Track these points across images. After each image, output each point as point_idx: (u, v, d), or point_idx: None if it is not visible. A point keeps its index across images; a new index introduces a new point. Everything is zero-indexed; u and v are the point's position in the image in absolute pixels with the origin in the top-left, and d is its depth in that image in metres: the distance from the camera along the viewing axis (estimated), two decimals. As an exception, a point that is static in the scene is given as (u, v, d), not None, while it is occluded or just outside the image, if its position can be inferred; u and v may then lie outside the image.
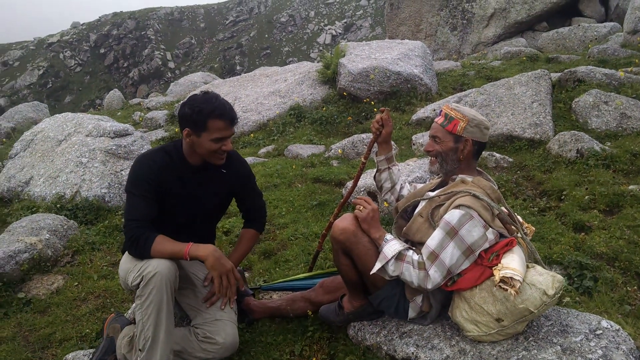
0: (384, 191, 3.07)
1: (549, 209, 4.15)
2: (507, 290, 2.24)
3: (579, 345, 2.25)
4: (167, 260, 2.45)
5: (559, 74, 6.79)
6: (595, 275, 3.07)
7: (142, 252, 2.48)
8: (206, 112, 2.52)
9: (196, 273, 2.84)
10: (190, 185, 2.73)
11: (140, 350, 2.42)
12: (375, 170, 3.09)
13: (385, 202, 4.13)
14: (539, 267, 2.41)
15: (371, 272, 2.49)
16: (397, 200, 3.02)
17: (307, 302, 3.07)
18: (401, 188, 3.06)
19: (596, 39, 11.39)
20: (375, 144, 3.04)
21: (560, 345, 2.27)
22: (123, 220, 2.65)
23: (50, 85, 54.31)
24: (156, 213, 2.60)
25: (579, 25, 13.23)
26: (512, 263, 2.30)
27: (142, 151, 5.77)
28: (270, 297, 3.39)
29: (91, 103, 48.99)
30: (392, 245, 2.45)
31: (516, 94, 6.07)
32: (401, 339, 2.57)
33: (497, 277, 2.26)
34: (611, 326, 2.35)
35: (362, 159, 3.14)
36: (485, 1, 15.58)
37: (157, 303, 2.37)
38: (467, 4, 16.11)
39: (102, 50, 57.43)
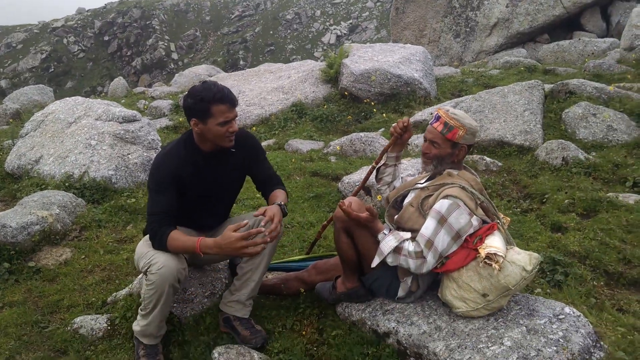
0: (382, 183, 3.31)
1: (531, 211, 4.42)
2: (491, 265, 2.52)
3: (542, 326, 2.51)
4: (174, 258, 2.73)
5: (552, 85, 7.06)
6: (567, 271, 3.33)
7: (159, 246, 2.76)
8: (207, 99, 2.71)
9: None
10: (207, 171, 2.94)
11: (140, 310, 2.91)
12: (372, 164, 3.33)
13: (379, 196, 4.38)
14: (516, 248, 2.69)
15: (371, 266, 2.78)
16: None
17: (300, 281, 3.33)
18: (397, 182, 3.31)
19: (593, 53, 11.65)
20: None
21: (525, 326, 2.53)
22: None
23: (52, 69, 54.29)
24: (175, 206, 2.82)
25: (579, 39, 13.46)
26: (495, 243, 2.59)
27: (149, 137, 6.02)
28: (266, 276, 3.64)
29: (92, 89, 49.05)
30: (387, 242, 2.72)
31: (509, 102, 6.33)
32: (384, 315, 2.83)
33: (482, 254, 2.55)
34: (573, 312, 2.62)
35: (374, 164, 3.36)
36: (489, 10, 15.83)
37: (158, 294, 2.75)
38: (472, 12, 16.37)
39: (106, 38, 57.45)
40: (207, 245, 2.66)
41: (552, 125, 6.17)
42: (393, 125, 3.11)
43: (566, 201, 4.35)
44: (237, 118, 2.86)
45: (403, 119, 3.11)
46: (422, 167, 3.03)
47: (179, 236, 2.72)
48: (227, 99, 2.75)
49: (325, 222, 3.66)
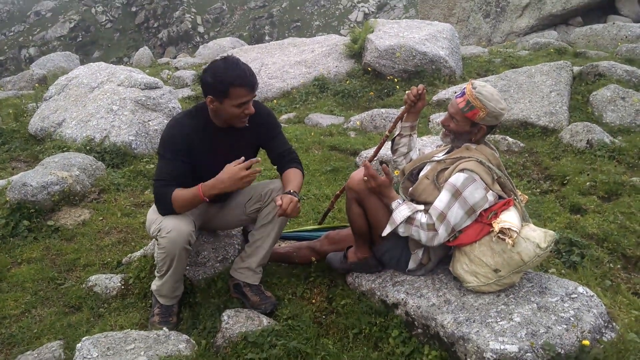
0: (398, 154, 3.26)
1: (551, 192, 4.34)
2: (504, 240, 2.47)
3: (554, 304, 2.47)
4: (183, 221, 2.74)
5: (582, 67, 6.87)
6: (583, 252, 3.27)
7: (165, 208, 2.77)
8: (228, 80, 2.62)
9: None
10: (218, 145, 2.89)
11: (156, 272, 2.98)
12: (395, 134, 3.27)
13: (396, 171, 4.34)
14: (532, 225, 2.64)
15: (382, 235, 2.74)
16: None
17: (312, 250, 3.33)
18: (413, 154, 3.26)
19: (627, 37, 11.28)
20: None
21: (536, 304, 2.49)
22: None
23: (80, 39, 54.72)
24: (183, 174, 2.79)
25: (613, 23, 13.02)
26: (510, 218, 2.54)
27: (170, 104, 6.04)
28: (279, 245, 3.65)
29: (119, 60, 49.31)
30: (401, 211, 2.68)
31: (536, 82, 6.19)
32: (393, 286, 2.82)
33: (496, 228, 2.50)
34: (586, 292, 2.57)
35: (387, 132, 3.31)
36: (521, -10, 15.41)
37: (170, 258, 2.80)
38: (503, -8, 15.95)
39: (133, 9, 57.58)
40: (209, 186, 2.67)
41: (579, 107, 6.02)
42: (407, 92, 3.04)
43: (587, 184, 4.26)
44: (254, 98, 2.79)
45: (418, 86, 3.04)
46: (441, 137, 2.98)
47: (182, 192, 2.72)
48: (248, 82, 2.66)
49: (338, 192, 3.61)
